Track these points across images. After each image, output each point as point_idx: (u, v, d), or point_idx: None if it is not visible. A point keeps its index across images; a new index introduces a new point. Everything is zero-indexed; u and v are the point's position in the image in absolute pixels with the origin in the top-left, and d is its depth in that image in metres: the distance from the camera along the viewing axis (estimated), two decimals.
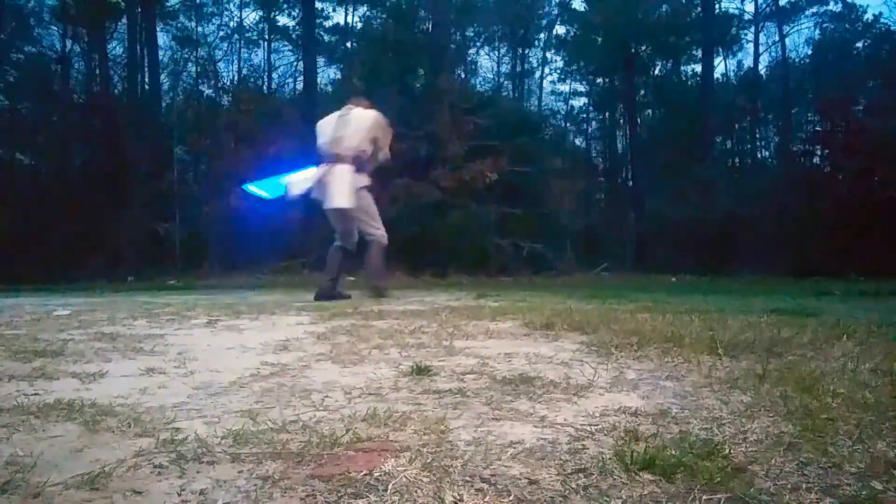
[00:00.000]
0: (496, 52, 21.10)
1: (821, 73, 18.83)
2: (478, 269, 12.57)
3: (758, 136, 21.39)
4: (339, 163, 4.51)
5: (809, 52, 20.54)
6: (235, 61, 19.28)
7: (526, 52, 21.16)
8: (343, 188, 4.49)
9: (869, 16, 19.76)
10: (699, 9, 20.06)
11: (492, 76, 20.90)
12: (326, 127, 4.70)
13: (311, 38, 17.18)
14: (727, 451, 0.96)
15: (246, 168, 13.15)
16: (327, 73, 19.44)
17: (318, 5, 18.35)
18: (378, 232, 4.72)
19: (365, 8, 19.13)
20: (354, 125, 4.61)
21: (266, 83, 19.51)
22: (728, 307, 3.51)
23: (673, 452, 0.94)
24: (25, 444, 1.01)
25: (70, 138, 13.98)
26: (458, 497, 0.80)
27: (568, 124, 22.79)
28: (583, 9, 20.86)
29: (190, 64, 18.00)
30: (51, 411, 1.21)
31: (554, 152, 17.70)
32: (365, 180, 4.69)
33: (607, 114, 23.06)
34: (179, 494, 0.82)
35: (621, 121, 22.36)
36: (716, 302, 4.17)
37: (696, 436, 1.05)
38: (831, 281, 9.20)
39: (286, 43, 19.82)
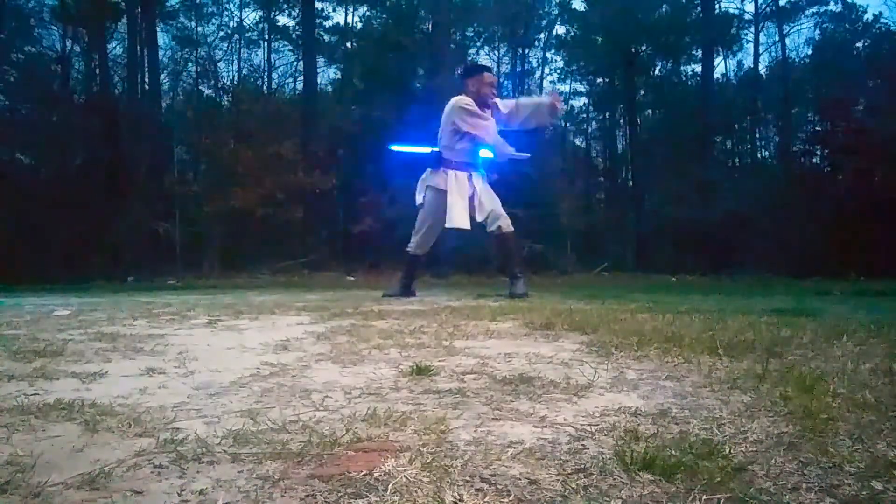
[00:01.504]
0: (496, 52, 21.12)
1: (821, 73, 18.83)
2: (478, 269, 12.57)
3: (758, 136, 21.40)
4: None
5: (809, 52, 20.57)
6: (235, 61, 19.32)
7: (526, 52, 21.19)
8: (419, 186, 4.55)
9: (869, 16, 19.79)
10: (699, 9, 20.06)
11: None
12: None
13: (311, 38, 17.18)
14: (727, 451, 0.96)
15: (245, 168, 13.23)
16: (327, 73, 19.48)
17: (318, 5, 18.36)
18: (412, 244, 4.75)
19: (365, 8, 19.14)
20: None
21: (266, 83, 19.56)
22: (728, 307, 3.50)
23: (673, 452, 0.94)
24: (25, 444, 1.01)
25: (70, 138, 13.96)
26: (458, 497, 0.80)
27: (568, 124, 22.79)
28: (583, 9, 20.89)
29: (190, 64, 18.03)
30: (51, 411, 1.21)
31: (554, 152, 17.70)
32: (436, 179, 4.52)
33: (607, 114, 23.07)
34: (179, 494, 0.82)
35: (621, 121, 22.38)
36: (716, 302, 4.17)
37: (696, 436, 1.05)
38: (831, 281, 9.19)
39: (286, 43, 19.85)
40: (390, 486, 0.83)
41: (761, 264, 13.11)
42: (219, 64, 18.53)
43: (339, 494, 0.81)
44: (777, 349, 1.88)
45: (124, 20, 16.06)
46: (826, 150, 17.53)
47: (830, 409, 1.18)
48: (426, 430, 1.08)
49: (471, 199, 4.46)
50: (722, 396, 1.34)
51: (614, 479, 0.86)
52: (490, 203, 4.49)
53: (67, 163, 14.33)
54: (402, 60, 15.70)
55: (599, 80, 22.63)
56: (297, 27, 19.01)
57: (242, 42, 19.34)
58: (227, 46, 19.04)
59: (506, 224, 4.52)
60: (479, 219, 4.48)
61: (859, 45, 19.87)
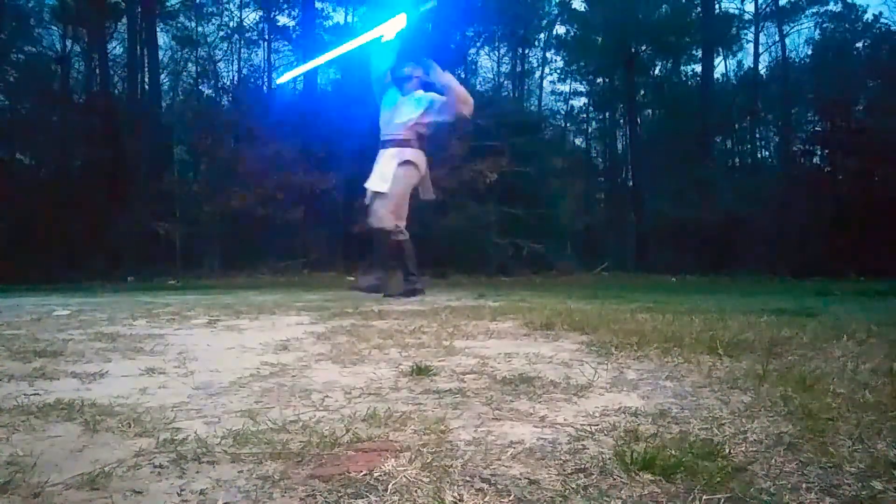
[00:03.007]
0: (496, 52, 21.10)
1: (821, 73, 18.82)
2: (478, 269, 12.57)
3: (758, 136, 21.40)
4: None
5: (809, 52, 20.55)
6: (235, 61, 19.30)
7: (526, 52, 21.17)
8: None
9: (869, 16, 19.75)
10: (699, 9, 20.06)
11: (492, 76, 20.91)
12: None
13: (311, 38, 17.17)
14: (727, 451, 0.96)
15: (245, 168, 13.23)
16: (327, 73, 19.45)
17: (318, 5, 18.34)
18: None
19: (365, 8, 19.12)
20: None
21: (266, 83, 19.52)
22: (728, 307, 3.50)
23: (673, 452, 0.94)
24: (25, 444, 1.01)
25: (70, 138, 13.96)
26: (458, 497, 0.80)
27: (568, 124, 22.80)
28: (583, 9, 20.88)
29: (190, 64, 18.03)
30: (51, 411, 1.21)
31: (554, 152, 17.71)
32: None
33: (607, 114, 23.08)
34: (179, 494, 0.82)
35: (621, 121, 22.37)
36: (716, 302, 4.16)
37: (696, 436, 1.05)
38: (831, 281, 9.20)
39: (286, 43, 19.83)
40: (390, 486, 0.83)
41: (761, 264, 13.13)
42: (219, 64, 18.54)
43: (339, 494, 0.81)
44: (777, 349, 1.88)
45: (124, 20, 16.06)
46: (826, 150, 17.54)
47: (830, 409, 1.18)
48: (426, 430, 1.08)
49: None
50: (722, 396, 1.34)
51: (614, 479, 0.86)
52: (378, 182, 4.45)
53: (67, 163, 14.33)
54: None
55: (599, 80, 22.63)
56: (297, 27, 19.00)
57: (242, 42, 19.33)
58: (227, 46, 19.04)
59: (375, 220, 4.45)
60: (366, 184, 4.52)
61: (859, 45, 19.86)
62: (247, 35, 19.45)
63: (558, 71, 22.41)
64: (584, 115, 23.23)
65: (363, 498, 0.80)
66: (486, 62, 21.07)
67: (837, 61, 18.78)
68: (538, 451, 0.97)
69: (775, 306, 3.47)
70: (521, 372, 1.59)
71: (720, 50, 20.81)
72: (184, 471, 0.90)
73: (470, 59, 19.76)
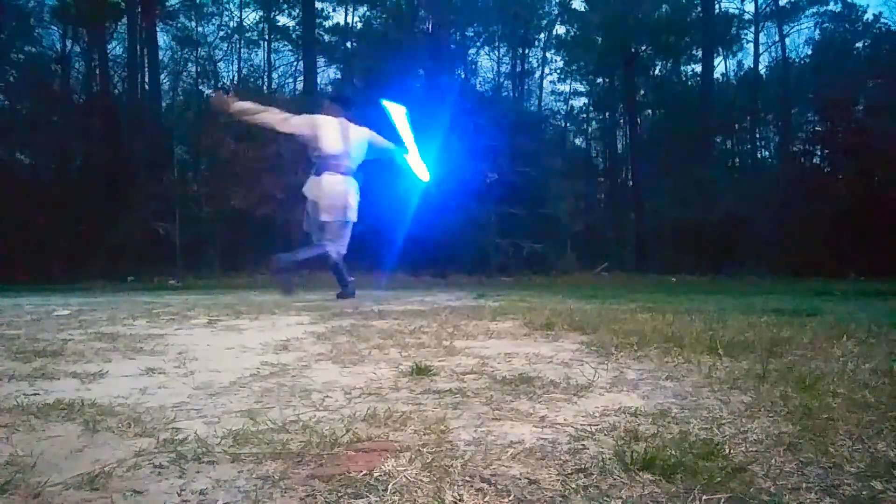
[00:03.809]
0: (496, 52, 21.10)
1: (821, 73, 18.81)
2: (478, 269, 12.57)
3: (758, 136, 21.39)
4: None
5: (809, 52, 20.56)
6: (235, 61, 19.31)
7: (526, 52, 21.17)
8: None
9: (869, 16, 19.79)
10: (699, 9, 20.06)
11: (492, 76, 20.92)
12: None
13: (311, 38, 17.18)
14: (727, 451, 0.96)
15: (245, 168, 13.22)
16: (327, 73, 19.46)
17: (318, 5, 18.37)
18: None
19: (365, 8, 19.13)
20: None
21: (266, 83, 19.52)
22: (728, 307, 3.51)
23: (673, 452, 0.94)
24: (25, 444, 1.01)
25: (70, 138, 13.97)
26: (458, 497, 0.80)
27: (568, 124, 22.79)
28: (583, 9, 20.87)
29: (190, 64, 18.04)
30: (51, 411, 1.21)
31: (554, 152, 17.70)
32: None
33: (607, 114, 23.06)
34: (179, 494, 0.82)
35: (621, 121, 22.36)
36: (716, 302, 4.17)
37: (696, 436, 1.05)
38: (831, 281, 9.20)
39: (286, 43, 19.84)
40: (390, 486, 0.83)
41: (761, 264, 13.12)
42: (219, 64, 18.55)
43: (339, 494, 0.81)
44: (777, 349, 1.88)
45: (124, 20, 16.07)
46: (826, 150, 17.53)
47: (830, 409, 1.18)
48: (426, 430, 1.08)
49: None
50: (722, 396, 1.34)
51: (614, 479, 0.86)
52: None
53: (67, 163, 14.33)
54: (402, 60, 15.67)
55: (599, 80, 22.62)
56: (297, 27, 19.01)
57: (242, 42, 19.35)
58: (227, 46, 19.05)
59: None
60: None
61: (859, 45, 19.87)
62: (247, 35, 19.48)
63: (558, 71, 22.42)
64: (584, 115, 23.23)
65: (363, 498, 0.80)
66: (486, 62, 21.09)
67: (837, 61, 18.78)
68: (538, 451, 0.97)
69: (775, 306, 3.47)
70: (521, 372, 1.59)
71: (720, 50, 20.81)
72: (184, 471, 0.90)
73: (470, 59, 19.76)
